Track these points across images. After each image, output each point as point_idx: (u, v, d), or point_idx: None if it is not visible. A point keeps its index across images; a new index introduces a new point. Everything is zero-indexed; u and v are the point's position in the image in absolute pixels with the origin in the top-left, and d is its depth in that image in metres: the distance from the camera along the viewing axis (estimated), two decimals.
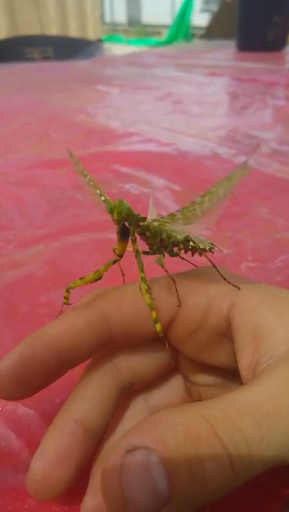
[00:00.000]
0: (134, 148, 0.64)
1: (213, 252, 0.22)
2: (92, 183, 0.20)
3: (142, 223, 0.19)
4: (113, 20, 5.97)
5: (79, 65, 1.39)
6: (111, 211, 0.18)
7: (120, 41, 4.25)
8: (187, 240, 0.20)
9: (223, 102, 0.89)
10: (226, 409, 0.14)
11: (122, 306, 0.19)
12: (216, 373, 0.21)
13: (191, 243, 0.21)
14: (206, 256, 0.21)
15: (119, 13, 6.06)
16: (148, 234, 0.20)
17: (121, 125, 0.75)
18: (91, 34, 2.96)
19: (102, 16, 4.94)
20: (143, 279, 0.18)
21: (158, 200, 0.49)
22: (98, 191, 0.20)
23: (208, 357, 0.20)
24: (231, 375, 0.21)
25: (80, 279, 0.19)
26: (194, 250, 0.21)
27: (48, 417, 0.25)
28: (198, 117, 0.79)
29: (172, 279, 0.19)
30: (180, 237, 0.20)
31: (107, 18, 5.89)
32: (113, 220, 0.18)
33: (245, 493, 0.20)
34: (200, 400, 0.23)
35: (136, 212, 0.19)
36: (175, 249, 0.21)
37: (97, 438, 0.19)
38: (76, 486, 0.19)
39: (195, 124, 0.75)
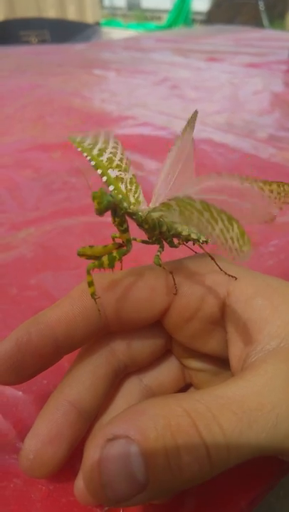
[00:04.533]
0: (129, 132, 0.63)
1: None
2: (93, 163, 0.20)
3: (136, 216, 0.18)
4: (112, 4, 5.86)
5: (76, 49, 1.37)
6: (93, 199, 0.17)
7: (119, 26, 4.18)
8: (189, 234, 0.20)
9: (222, 87, 0.88)
10: (209, 402, 0.14)
11: (118, 293, 0.18)
12: (208, 360, 0.21)
13: (193, 236, 0.20)
14: (202, 248, 0.20)
15: None
16: (146, 226, 0.19)
17: (117, 109, 0.73)
18: (89, 18, 2.91)
19: (101, 0, 4.85)
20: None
21: (151, 183, 0.48)
22: (100, 171, 0.19)
23: (200, 345, 0.20)
24: (223, 363, 0.21)
25: (90, 246, 0.18)
26: (194, 242, 0.21)
27: (36, 398, 0.25)
28: (195, 102, 0.78)
29: (170, 272, 0.19)
30: (182, 230, 0.20)
31: (106, 2, 5.79)
32: (94, 209, 0.17)
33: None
34: (191, 383, 0.23)
35: (128, 201, 0.18)
36: (175, 240, 0.20)
37: (90, 419, 0.19)
38: (64, 467, 0.19)
39: (191, 108, 0.73)
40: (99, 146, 0.21)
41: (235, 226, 0.14)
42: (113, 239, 0.20)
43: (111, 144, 0.21)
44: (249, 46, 1.28)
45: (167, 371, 0.22)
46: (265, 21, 3.05)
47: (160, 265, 0.18)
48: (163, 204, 0.17)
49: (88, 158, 0.20)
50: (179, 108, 0.74)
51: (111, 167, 0.20)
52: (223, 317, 0.19)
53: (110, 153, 0.20)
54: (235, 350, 0.18)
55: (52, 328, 0.17)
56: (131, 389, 0.21)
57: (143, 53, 1.26)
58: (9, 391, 0.25)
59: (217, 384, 0.21)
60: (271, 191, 0.16)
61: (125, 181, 0.19)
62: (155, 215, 0.18)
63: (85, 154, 0.20)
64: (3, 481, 0.20)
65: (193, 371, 0.22)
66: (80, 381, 0.19)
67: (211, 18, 3.23)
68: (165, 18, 4.41)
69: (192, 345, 0.20)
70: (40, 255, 0.37)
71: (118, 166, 0.20)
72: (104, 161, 0.20)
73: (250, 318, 0.17)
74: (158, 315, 0.19)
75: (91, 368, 0.19)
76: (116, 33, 2.86)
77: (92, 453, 0.13)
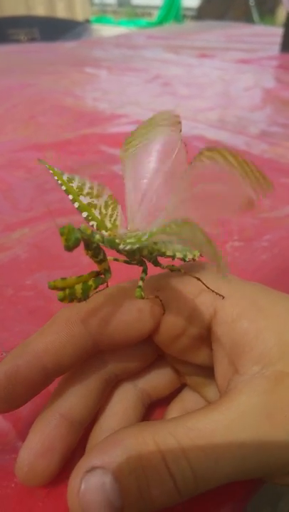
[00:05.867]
0: (123, 130, 0.63)
1: (197, 259, 0.21)
2: (64, 188, 0.18)
3: (113, 245, 0.17)
4: (102, 1, 5.82)
5: (66, 47, 1.36)
6: (60, 235, 0.16)
7: (110, 22, 4.16)
8: (174, 254, 0.19)
9: (213, 83, 0.88)
10: (180, 436, 0.15)
11: (104, 316, 0.18)
12: (200, 366, 0.21)
13: (178, 255, 0.19)
14: (183, 269, 0.19)
15: None
16: (125, 254, 0.18)
17: (109, 107, 0.73)
18: (79, 15, 2.89)
19: None
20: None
21: None
22: (71, 196, 0.18)
23: (190, 358, 0.20)
24: (210, 369, 0.21)
25: (62, 279, 0.17)
26: (181, 259, 0.20)
27: (35, 398, 0.25)
28: (187, 99, 0.78)
29: (156, 296, 0.18)
30: (166, 250, 0.19)
31: None
32: (62, 245, 0.16)
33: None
34: (186, 384, 0.23)
35: (104, 227, 0.17)
36: (160, 259, 0.20)
37: (82, 429, 0.20)
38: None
39: (184, 105, 0.74)
40: (67, 175, 0.19)
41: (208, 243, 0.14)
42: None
43: (77, 176, 0.20)
44: (240, 42, 1.28)
45: (161, 375, 0.23)
46: (256, 17, 3.05)
47: (142, 298, 0.17)
48: (142, 240, 0.16)
49: (59, 182, 0.19)
50: (171, 105, 0.74)
51: (82, 194, 0.19)
52: (209, 335, 0.19)
53: (79, 181, 0.19)
54: (221, 370, 0.18)
55: (39, 358, 0.17)
56: (126, 393, 0.21)
57: (134, 51, 1.26)
58: None
59: (209, 388, 0.22)
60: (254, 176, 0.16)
61: (99, 207, 0.19)
62: (131, 242, 0.17)
63: (56, 178, 0.19)
64: (4, 481, 0.21)
65: (187, 375, 0.22)
66: (71, 393, 0.19)
67: (202, 13, 3.22)
68: (156, 15, 4.39)
69: (183, 358, 0.20)
70: (34, 255, 0.37)
71: (89, 194, 0.19)
72: (74, 187, 0.19)
73: (234, 341, 0.17)
74: (147, 334, 0.19)
75: (81, 379, 0.20)
76: (106, 30, 2.84)
77: (73, 483, 0.15)
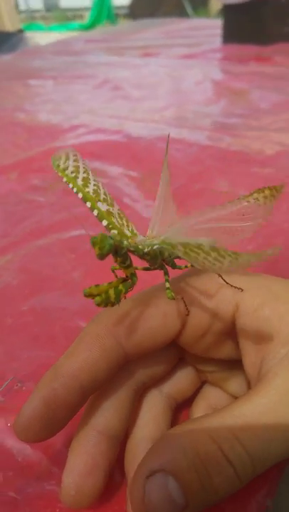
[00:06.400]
0: (83, 140, 0.63)
1: None
2: (80, 196, 0.19)
3: (138, 250, 0.18)
4: (29, 7, 5.70)
5: (3, 60, 1.33)
6: (93, 245, 0.16)
7: (41, 29, 4.09)
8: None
9: (163, 81, 0.89)
10: (230, 425, 0.16)
11: (131, 325, 0.19)
12: (221, 361, 0.22)
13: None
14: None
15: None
16: (148, 258, 0.19)
17: (64, 119, 0.73)
18: (8, 25, 2.81)
19: (17, 4, 4.70)
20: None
21: (119, 189, 0.49)
22: (90, 204, 0.18)
23: (214, 353, 0.21)
24: (236, 361, 0.22)
25: (96, 286, 0.17)
26: None
27: None
28: (141, 101, 0.79)
29: (181, 298, 0.19)
30: (180, 253, 0.20)
31: (22, 6, 5.62)
32: (95, 254, 0.16)
33: None
34: (206, 381, 0.24)
35: (125, 236, 0.18)
36: (177, 261, 0.20)
37: (119, 441, 0.20)
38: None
39: (139, 108, 0.75)
40: (81, 175, 0.20)
41: (240, 255, 0.15)
42: (113, 271, 0.20)
43: (92, 176, 0.20)
44: (181, 37, 1.30)
45: (183, 377, 0.23)
46: (189, 10, 3.09)
47: (174, 298, 0.18)
48: (167, 242, 0.17)
49: (75, 189, 0.19)
50: (126, 109, 0.75)
51: (99, 200, 0.19)
52: (234, 328, 0.20)
53: (94, 185, 0.20)
54: (249, 359, 0.19)
55: (76, 378, 0.18)
56: (154, 401, 0.22)
57: (76, 57, 1.25)
58: None
59: (230, 382, 0.23)
60: (257, 199, 0.18)
61: (115, 215, 0.19)
62: (155, 244, 0.18)
63: (71, 185, 0.19)
64: (49, 508, 0.21)
65: (209, 373, 0.23)
66: (104, 409, 0.20)
67: (134, 11, 3.24)
68: (87, 17, 4.36)
69: (207, 355, 0.21)
70: (25, 280, 0.37)
71: (105, 200, 0.19)
72: (91, 193, 0.19)
73: (259, 329, 0.18)
74: (173, 337, 0.20)
75: (113, 393, 0.20)
76: (39, 38, 2.79)
77: (135, 492, 0.15)
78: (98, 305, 0.17)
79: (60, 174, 0.20)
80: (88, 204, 0.19)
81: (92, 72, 1.03)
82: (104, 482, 0.19)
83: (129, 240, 0.18)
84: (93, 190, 0.19)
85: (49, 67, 1.16)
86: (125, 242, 0.17)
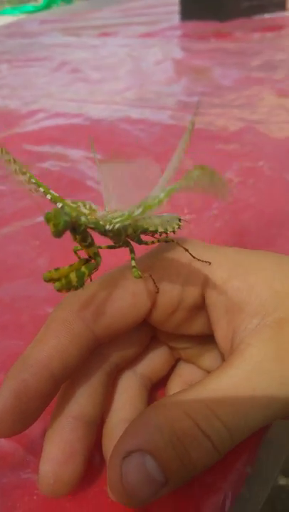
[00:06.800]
0: (43, 125, 0.61)
1: (180, 228, 0.21)
2: (33, 181, 0.17)
3: (98, 227, 0.17)
4: None
5: None
6: (47, 222, 0.15)
7: None
8: (156, 229, 0.19)
9: (123, 62, 0.87)
10: (205, 399, 0.16)
11: (100, 307, 0.18)
12: (194, 337, 0.22)
13: (160, 229, 0.19)
14: (167, 239, 0.20)
15: None
16: (110, 235, 0.18)
17: (22, 104, 0.70)
18: None
19: None
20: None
21: (82, 172, 0.48)
22: (42, 189, 0.17)
23: (186, 330, 0.21)
24: (205, 337, 0.22)
25: (56, 269, 0.16)
26: (161, 234, 0.20)
27: None
28: (101, 83, 0.77)
29: (149, 275, 0.18)
30: (148, 226, 0.19)
31: None
32: (51, 232, 0.15)
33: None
34: (180, 359, 0.24)
35: (84, 214, 0.16)
36: (143, 237, 0.20)
37: (96, 426, 0.20)
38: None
39: (99, 90, 0.73)
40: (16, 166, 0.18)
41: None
42: (75, 252, 0.19)
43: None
44: (138, 16, 1.27)
45: (157, 356, 0.23)
46: None
47: (141, 277, 0.18)
48: (125, 212, 0.16)
49: (27, 175, 0.17)
50: (86, 92, 0.73)
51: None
52: (204, 302, 0.19)
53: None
54: (221, 333, 0.19)
55: (46, 366, 0.17)
56: (128, 383, 0.22)
57: (30, 39, 1.20)
58: None
59: (204, 357, 0.23)
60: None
61: (67, 202, 0.17)
62: (117, 221, 0.17)
63: (21, 172, 0.17)
64: (26, 496, 0.20)
65: (182, 350, 0.23)
66: (78, 395, 0.19)
67: None
68: None
69: (178, 332, 0.21)
70: None
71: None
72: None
73: (229, 301, 0.18)
74: (143, 317, 0.19)
75: (85, 378, 0.19)
76: None
77: (112, 473, 0.15)
78: (59, 290, 0.16)
79: (6, 159, 0.19)
80: (41, 189, 0.17)
81: (49, 54, 1.00)
82: (83, 468, 0.19)
83: (88, 217, 0.17)
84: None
85: (2, 50, 1.12)
86: (83, 218, 0.16)
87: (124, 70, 0.83)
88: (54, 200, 0.17)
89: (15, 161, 0.18)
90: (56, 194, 0.17)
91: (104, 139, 0.53)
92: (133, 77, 0.79)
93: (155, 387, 0.24)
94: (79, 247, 0.18)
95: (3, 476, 0.21)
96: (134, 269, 0.18)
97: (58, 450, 0.18)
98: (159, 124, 0.56)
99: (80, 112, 0.63)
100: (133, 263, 0.18)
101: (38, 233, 0.39)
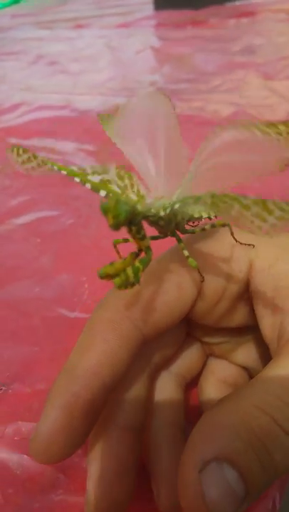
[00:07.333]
0: (28, 119, 0.58)
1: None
2: (64, 172, 0.16)
3: (153, 218, 0.15)
4: None
5: None
6: (104, 214, 0.13)
7: None
8: (201, 215, 0.18)
9: (101, 53, 0.85)
10: (275, 390, 0.14)
11: (146, 304, 0.16)
12: (228, 331, 0.21)
13: (204, 214, 0.18)
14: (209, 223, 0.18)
15: None
16: (162, 223, 0.16)
17: (3, 98, 0.67)
18: None
19: None
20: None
21: (74, 164, 0.45)
22: (78, 179, 0.15)
23: (227, 322, 0.19)
24: (241, 330, 0.20)
25: (111, 264, 0.15)
26: (207, 219, 0.19)
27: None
28: (83, 74, 0.74)
29: (193, 260, 0.16)
30: (193, 213, 0.18)
31: None
32: (108, 224, 0.13)
33: None
34: (212, 355, 0.22)
35: (137, 205, 0.15)
36: (187, 226, 0.18)
37: (142, 434, 0.18)
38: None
39: (82, 81, 0.70)
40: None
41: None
42: (115, 246, 0.18)
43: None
44: (110, 7, 1.24)
45: (191, 353, 0.22)
46: None
47: (198, 267, 0.16)
48: (188, 198, 0.15)
49: (54, 167, 0.16)
50: (68, 84, 0.70)
51: (88, 174, 0.16)
52: (247, 290, 0.18)
53: (75, 167, 0.16)
54: (267, 321, 0.17)
55: (97, 375, 0.15)
56: (165, 384, 0.20)
57: (3, 33, 1.16)
58: (26, 427, 0.22)
59: (238, 351, 0.21)
60: (279, 133, 0.15)
61: (114, 181, 0.16)
62: (167, 207, 0.15)
63: (52, 165, 0.16)
64: None
65: (214, 345, 0.21)
66: (122, 402, 0.17)
67: None
68: None
69: (218, 325, 0.19)
70: None
71: (95, 172, 0.16)
72: (76, 170, 0.16)
73: (276, 286, 0.17)
74: (189, 309, 0.18)
75: (128, 383, 0.18)
76: None
77: (192, 492, 0.13)
78: (119, 287, 0.14)
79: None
80: (77, 179, 0.15)
81: (24, 48, 0.96)
82: (134, 485, 0.17)
83: (141, 205, 0.15)
84: (78, 168, 0.16)
85: None
86: (139, 207, 0.14)
87: (104, 61, 0.80)
88: (95, 189, 0.15)
89: (35, 157, 0.16)
90: (96, 181, 0.15)
91: (94, 129, 0.51)
92: (114, 67, 0.77)
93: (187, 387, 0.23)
94: (120, 240, 0.17)
95: (34, 500, 0.19)
96: (190, 260, 0.16)
97: (109, 468, 0.16)
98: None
99: (65, 104, 0.60)
100: (186, 253, 0.16)
101: (37, 230, 0.36)
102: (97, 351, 0.15)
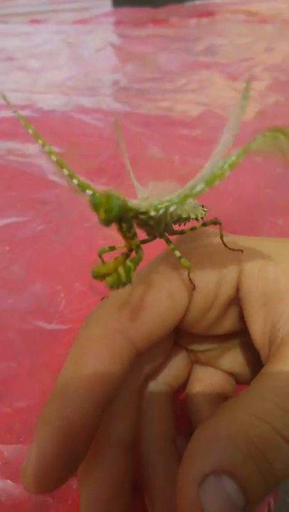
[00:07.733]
0: None
1: (206, 214, 0.19)
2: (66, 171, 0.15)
3: (142, 216, 0.15)
4: None
5: None
6: (95, 208, 0.13)
7: None
8: (189, 215, 0.17)
9: (61, 49, 0.82)
10: (272, 398, 0.13)
11: (140, 317, 0.16)
12: (215, 338, 0.20)
13: (192, 215, 0.18)
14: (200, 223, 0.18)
15: None
16: (152, 223, 0.16)
17: None
18: None
19: None
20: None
21: (42, 167, 0.44)
22: (76, 180, 0.15)
23: (215, 329, 0.19)
24: (228, 336, 0.20)
25: (103, 264, 0.14)
26: (194, 220, 0.18)
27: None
28: (42, 72, 0.72)
29: (187, 269, 0.16)
30: (181, 213, 0.17)
31: None
32: (99, 219, 0.13)
33: None
34: (197, 362, 0.22)
35: (129, 201, 0.14)
36: (175, 226, 0.18)
37: (133, 449, 0.17)
38: None
39: (42, 79, 0.68)
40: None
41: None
42: (100, 255, 0.17)
43: None
44: (66, 2, 1.22)
45: (177, 362, 0.21)
46: None
47: (190, 266, 0.16)
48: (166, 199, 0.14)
49: (53, 158, 0.15)
50: (27, 82, 0.68)
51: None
52: (237, 296, 0.18)
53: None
54: (257, 326, 0.17)
55: (90, 396, 0.14)
56: (153, 394, 0.20)
57: None
58: (8, 450, 0.21)
59: (224, 358, 0.21)
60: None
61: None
62: (160, 207, 0.15)
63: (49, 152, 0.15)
64: None
65: (200, 352, 0.21)
66: (113, 418, 0.17)
67: None
68: None
69: (207, 332, 0.19)
70: None
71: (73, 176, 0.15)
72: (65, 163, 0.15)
73: (267, 290, 0.17)
74: (180, 318, 0.17)
75: (119, 398, 0.17)
76: None
77: (189, 507, 0.12)
78: (111, 287, 0.14)
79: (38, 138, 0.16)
80: (65, 171, 0.15)
81: None
82: (131, 501, 0.16)
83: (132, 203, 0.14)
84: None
85: None
86: (130, 204, 0.14)
87: (63, 58, 0.78)
88: (82, 188, 0.14)
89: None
90: (84, 181, 0.15)
91: (59, 130, 0.50)
92: (75, 64, 0.75)
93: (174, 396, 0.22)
94: (106, 248, 0.16)
95: None
96: (182, 260, 0.15)
97: (102, 487, 0.15)
98: (115, 113, 0.53)
99: (27, 103, 0.58)
100: (178, 253, 0.16)
101: (6, 237, 0.35)
102: (88, 370, 0.14)
